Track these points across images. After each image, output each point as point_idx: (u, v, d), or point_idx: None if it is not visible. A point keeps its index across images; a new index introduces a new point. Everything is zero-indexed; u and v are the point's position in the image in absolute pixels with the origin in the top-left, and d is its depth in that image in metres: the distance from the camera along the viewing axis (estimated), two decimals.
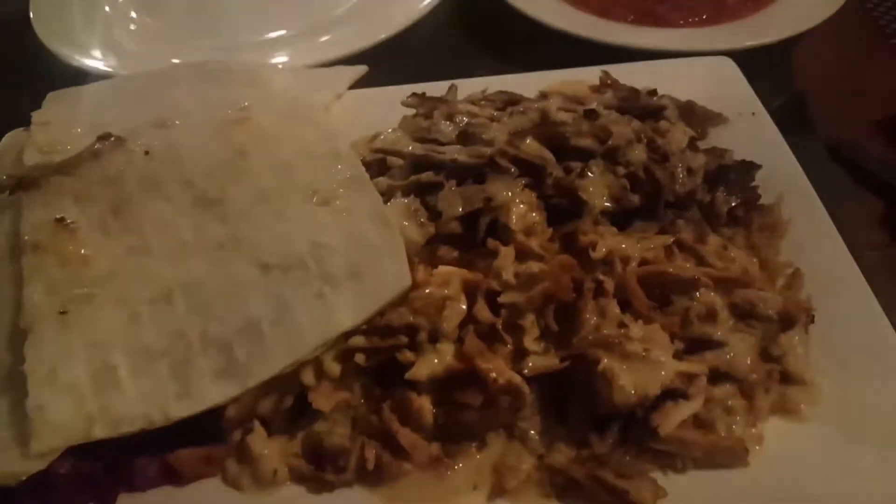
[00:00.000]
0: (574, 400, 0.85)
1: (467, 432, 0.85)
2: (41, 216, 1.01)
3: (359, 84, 1.36)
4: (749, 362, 0.86)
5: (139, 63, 1.56)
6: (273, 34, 1.63)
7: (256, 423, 0.88)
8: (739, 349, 0.86)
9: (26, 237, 0.97)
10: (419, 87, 1.27)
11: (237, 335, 0.89)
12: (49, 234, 0.98)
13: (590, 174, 0.96)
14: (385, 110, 1.27)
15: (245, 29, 1.65)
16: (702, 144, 1.17)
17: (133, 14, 1.73)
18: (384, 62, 1.45)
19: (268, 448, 0.87)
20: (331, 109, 1.28)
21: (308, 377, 0.87)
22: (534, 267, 0.86)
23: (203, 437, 0.89)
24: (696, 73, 1.36)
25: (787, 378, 0.89)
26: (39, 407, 0.81)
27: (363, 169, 1.05)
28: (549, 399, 0.86)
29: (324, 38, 1.57)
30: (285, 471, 0.86)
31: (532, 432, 0.84)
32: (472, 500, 0.81)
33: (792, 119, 1.34)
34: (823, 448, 0.84)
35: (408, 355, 0.85)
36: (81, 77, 1.54)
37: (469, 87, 1.28)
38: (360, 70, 1.37)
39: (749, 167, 1.11)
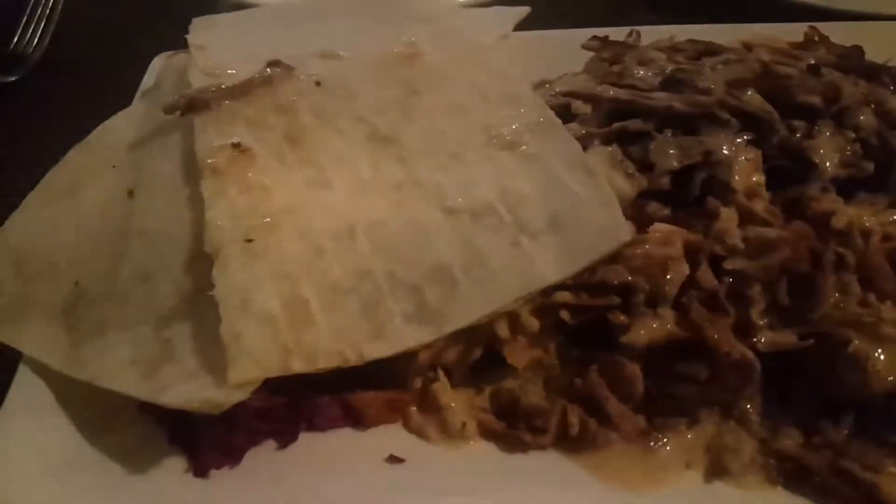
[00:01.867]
0: (803, 382, 0.77)
1: (678, 407, 0.78)
2: (217, 140, 0.97)
3: (519, 28, 1.28)
4: None
5: None
6: None
7: (440, 372, 0.83)
8: None
9: (207, 160, 0.93)
10: (596, 31, 1.18)
11: (426, 278, 0.84)
12: (227, 159, 0.94)
13: (819, 135, 0.87)
14: (552, 55, 1.20)
15: None
16: None
17: None
18: (543, 4, 1.37)
19: (454, 399, 0.82)
20: (497, 52, 1.21)
21: (503, 330, 0.81)
22: (768, 232, 0.78)
23: (378, 381, 0.85)
24: None
25: None
26: (236, 335, 0.77)
27: (552, 113, 0.98)
28: (771, 379, 0.78)
29: None
30: (474, 425, 0.81)
31: (752, 414, 0.77)
32: (685, 479, 0.75)
33: None
34: None
35: (620, 318, 0.78)
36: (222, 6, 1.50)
37: (649, 36, 1.19)
38: (523, 11, 1.29)
39: None
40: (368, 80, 1.08)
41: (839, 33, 1.18)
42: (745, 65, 0.93)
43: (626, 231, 0.80)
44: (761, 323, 0.77)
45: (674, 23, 1.28)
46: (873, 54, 1.15)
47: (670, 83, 0.93)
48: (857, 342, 0.72)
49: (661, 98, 0.90)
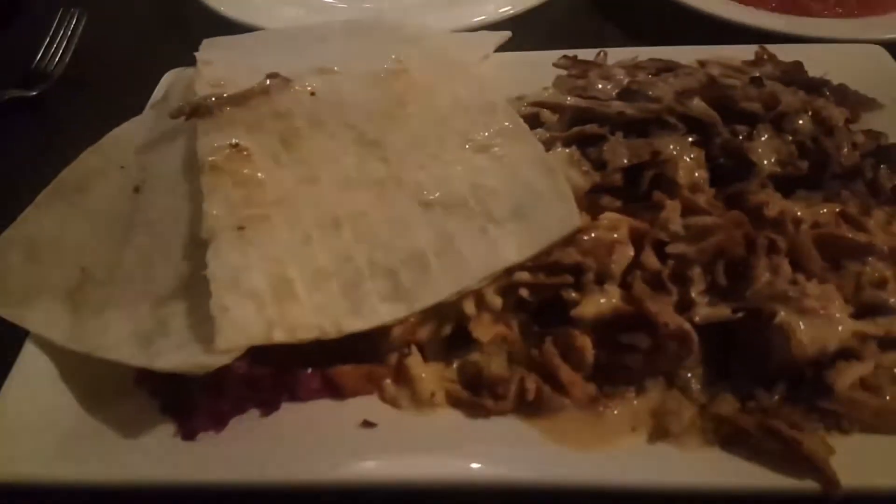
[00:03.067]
0: (739, 354, 0.84)
1: (626, 377, 0.86)
2: (217, 141, 1.06)
3: (501, 50, 1.38)
4: None
5: (284, 21, 1.63)
6: (417, 0, 1.67)
7: (414, 348, 0.91)
8: None
9: (207, 158, 1.02)
10: (566, 52, 1.29)
11: (402, 263, 0.93)
12: (225, 157, 1.03)
13: (758, 137, 0.96)
14: (529, 73, 1.29)
15: None
16: (854, 128, 1.15)
17: None
18: (523, 31, 1.48)
19: (425, 371, 0.89)
20: (478, 70, 1.31)
21: (470, 307, 0.89)
22: (706, 219, 0.86)
23: (358, 357, 0.93)
24: (847, 59, 1.32)
25: None
26: (224, 307, 0.85)
27: (521, 120, 1.08)
28: (711, 352, 0.85)
29: (467, 7, 1.60)
30: (442, 394, 0.88)
31: (694, 383, 0.84)
32: (631, 441, 0.82)
33: None
34: None
35: (573, 295, 0.86)
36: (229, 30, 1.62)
37: (615, 56, 1.29)
38: (505, 35, 1.40)
39: None
40: (359, 92, 1.18)
41: (793, 55, 1.28)
42: (694, 77, 1.03)
43: (577, 218, 0.89)
44: (701, 301, 0.85)
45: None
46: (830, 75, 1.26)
47: (626, 94, 1.03)
48: (783, 314, 0.79)
49: (616, 105, 1.00)
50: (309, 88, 1.16)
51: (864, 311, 0.85)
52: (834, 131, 1.02)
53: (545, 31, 1.59)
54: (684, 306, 0.86)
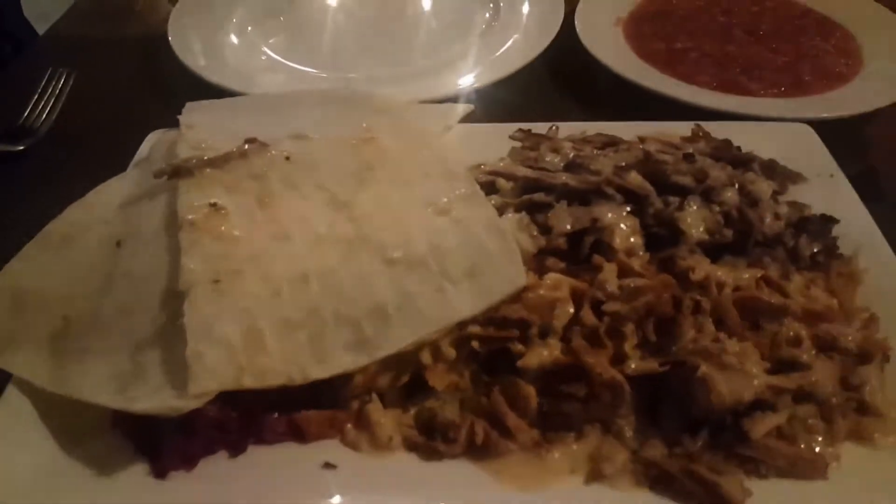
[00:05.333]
0: (668, 403, 0.93)
1: (566, 423, 0.94)
2: (196, 200, 1.15)
3: (464, 121, 1.50)
4: (831, 387, 0.94)
5: (265, 87, 1.74)
6: (387, 72, 1.80)
7: (374, 395, 0.99)
8: (823, 373, 0.94)
9: (186, 216, 1.11)
10: (521, 126, 1.41)
11: (366, 315, 1.01)
12: (204, 215, 1.12)
13: (688, 208, 1.07)
14: (488, 144, 1.41)
15: (362, 67, 1.83)
16: (781, 200, 1.28)
17: (263, 48, 1.93)
18: (484, 103, 1.61)
19: (384, 417, 0.97)
20: (441, 140, 1.43)
21: (426, 357, 0.98)
22: (638, 281, 0.97)
23: (322, 403, 1.00)
24: (777, 136, 1.46)
25: (862, 408, 0.96)
26: (198, 354, 0.92)
27: (478, 187, 1.18)
28: (643, 402, 0.94)
29: (434, 79, 1.73)
30: (399, 439, 0.95)
31: (627, 429, 0.93)
32: (569, 482, 0.89)
33: (866, 189, 1.43)
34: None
35: (518, 347, 0.95)
36: (211, 94, 1.71)
37: (566, 129, 1.42)
38: (468, 108, 1.52)
39: (828, 220, 1.21)
40: (331, 157, 1.28)
41: (729, 131, 1.42)
42: (632, 152, 1.15)
43: (524, 278, 0.99)
44: (634, 355, 0.95)
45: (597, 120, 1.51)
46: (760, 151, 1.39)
47: (571, 166, 1.15)
48: (704, 368, 0.89)
49: (562, 177, 1.11)
50: (284, 153, 1.27)
51: (779, 366, 0.95)
52: (758, 203, 1.14)
53: (506, 103, 1.72)
54: (618, 359, 0.95)
